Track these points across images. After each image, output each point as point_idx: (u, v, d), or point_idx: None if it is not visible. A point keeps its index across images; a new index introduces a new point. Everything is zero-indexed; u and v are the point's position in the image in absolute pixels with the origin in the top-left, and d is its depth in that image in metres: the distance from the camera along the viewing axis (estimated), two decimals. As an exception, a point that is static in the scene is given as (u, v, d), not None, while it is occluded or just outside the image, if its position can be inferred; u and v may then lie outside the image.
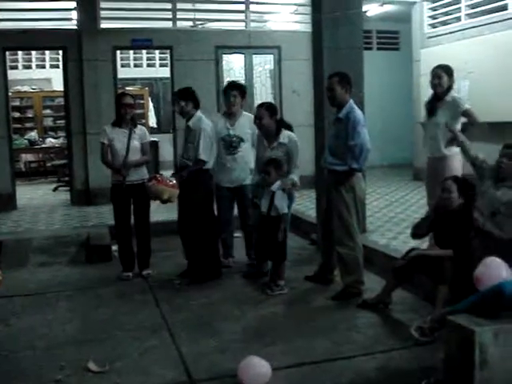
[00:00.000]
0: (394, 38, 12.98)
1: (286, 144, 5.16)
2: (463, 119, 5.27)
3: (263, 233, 5.02)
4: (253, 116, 5.45)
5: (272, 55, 10.27)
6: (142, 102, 13.94)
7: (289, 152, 5.15)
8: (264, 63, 10.67)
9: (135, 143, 5.42)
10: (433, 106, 5.40)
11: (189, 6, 10.13)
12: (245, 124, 5.71)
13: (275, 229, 4.91)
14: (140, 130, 5.56)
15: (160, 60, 14.97)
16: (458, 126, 5.30)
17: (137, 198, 5.48)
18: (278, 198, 4.92)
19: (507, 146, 4.01)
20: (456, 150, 5.31)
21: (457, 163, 5.26)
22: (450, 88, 5.33)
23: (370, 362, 3.61)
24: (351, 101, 4.86)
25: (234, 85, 5.83)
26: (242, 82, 7.97)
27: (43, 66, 14.79)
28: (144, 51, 14.62)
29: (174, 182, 4.71)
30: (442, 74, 5.30)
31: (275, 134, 5.20)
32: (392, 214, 7.52)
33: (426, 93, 5.78)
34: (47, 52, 14.36)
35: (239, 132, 5.67)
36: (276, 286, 5.04)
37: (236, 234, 6.12)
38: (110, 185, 5.58)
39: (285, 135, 5.20)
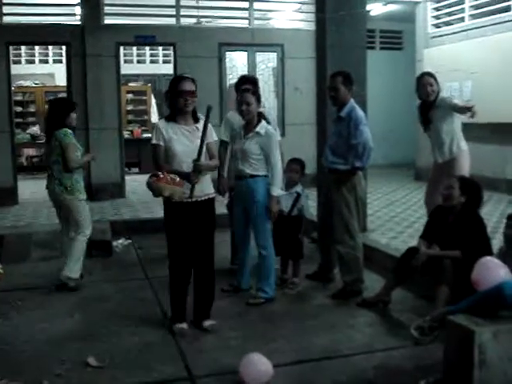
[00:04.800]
0: (397, 37, 12.99)
1: (261, 135, 4.67)
2: (464, 118, 5.29)
3: (282, 232, 5.03)
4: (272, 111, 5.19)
5: (275, 53, 10.28)
6: (144, 98, 14.00)
7: (263, 147, 4.66)
8: (267, 61, 10.67)
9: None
10: (426, 115, 5.43)
11: (193, 2, 10.13)
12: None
13: (297, 228, 5.03)
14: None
15: (163, 56, 14.97)
16: (459, 125, 5.34)
17: (201, 221, 4.15)
18: (303, 199, 5.09)
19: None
20: (465, 148, 5.35)
21: (465, 161, 5.30)
22: (439, 93, 5.39)
23: (369, 361, 3.62)
24: (352, 100, 4.86)
25: (247, 79, 5.34)
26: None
27: (46, 61, 14.82)
28: (147, 47, 14.62)
29: (178, 179, 4.61)
30: (432, 81, 5.34)
31: (255, 124, 4.73)
32: (393, 214, 7.53)
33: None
34: (50, 47, 14.37)
35: None
36: (293, 284, 5.13)
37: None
38: (163, 204, 4.23)
39: (263, 126, 4.71)
